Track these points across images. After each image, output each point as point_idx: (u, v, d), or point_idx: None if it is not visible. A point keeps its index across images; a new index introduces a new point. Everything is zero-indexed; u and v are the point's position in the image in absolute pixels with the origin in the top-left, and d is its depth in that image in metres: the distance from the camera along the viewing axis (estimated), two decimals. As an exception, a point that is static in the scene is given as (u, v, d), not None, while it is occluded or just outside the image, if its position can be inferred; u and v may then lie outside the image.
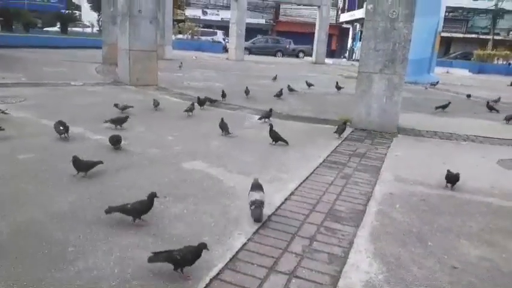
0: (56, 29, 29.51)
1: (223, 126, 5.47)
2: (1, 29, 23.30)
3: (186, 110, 6.60)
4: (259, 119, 6.52)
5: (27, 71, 10.63)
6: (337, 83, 11.25)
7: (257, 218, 2.93)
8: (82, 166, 3.61)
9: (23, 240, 2.48)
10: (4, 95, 7.08)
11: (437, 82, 14.71)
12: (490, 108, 8.99)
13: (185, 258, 2.22)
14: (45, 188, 3.30)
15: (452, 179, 3.97)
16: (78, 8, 39.36)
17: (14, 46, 17.13)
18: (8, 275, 2.15)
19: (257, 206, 2.95)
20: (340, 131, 5.73)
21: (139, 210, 2.77)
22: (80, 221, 2.78)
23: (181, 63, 15.36)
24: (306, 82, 11.51)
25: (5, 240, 2.48)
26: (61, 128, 4.69)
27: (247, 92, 8.80)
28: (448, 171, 4.02)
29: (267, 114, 6.53)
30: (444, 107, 8.57)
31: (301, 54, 33.81)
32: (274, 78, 12.66)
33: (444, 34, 20.68)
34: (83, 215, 2.88)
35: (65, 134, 4.71)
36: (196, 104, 7.01)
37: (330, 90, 11.09)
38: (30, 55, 15.18)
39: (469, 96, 11.25)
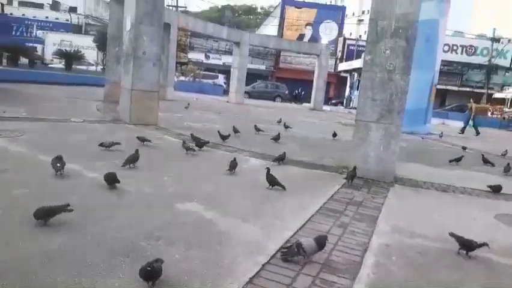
0: (60, 65, 30.18)
1: (233, 165, 5.77)
2: (7, 64, 23.80)
3: (187, 148, 6.84)
4: (274, 161, 6.68)
5: (28, 105, 10.74)
6: (334, 132, 11.31)
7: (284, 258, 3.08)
8: (40, 214, 3.22)
9: (8, 279, 2.39)
10: (3, 128, 7.10)
11: (442, 133, 15.14)
12: (485, 161, 9.07)
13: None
14: (35, 227, 3.22)
15: (468, 246, 3.60)
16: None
17: (18, 81, 17.42)
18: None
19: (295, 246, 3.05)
20: (350, 177, 5.79)
21: None
22: (69, 263, 2.69)
23: (188, 104, 16.05)
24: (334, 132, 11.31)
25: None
26: (58, 164, 4.66)
27: (235, 131, 8.89)
28: (460, 239, 3.66)
29: (281, 157, 6.72)
30: (458, 160, 8.61)
31: (278, 99, 34.46)
32: (279, 122, 12.91)
33: (439, 86, 21.23)
34: (72, 257, 2.80)
35: (61, 171, 4.68)
36: (189, 145, 7.06)
37: (327, 137, 11.20)
38: (34, 91, 15.40)
39: (464, 148, 11.37)
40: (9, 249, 2.80)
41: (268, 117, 13.72)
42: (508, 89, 39.39)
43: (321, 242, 3.12)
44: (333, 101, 41.35)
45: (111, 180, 4.41)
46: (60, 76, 22.80)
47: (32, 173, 4.69)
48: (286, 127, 11.82)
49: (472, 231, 4.25)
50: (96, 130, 8.38)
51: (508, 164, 8.09)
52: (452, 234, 3.71)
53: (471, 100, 20.08)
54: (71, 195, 4.04)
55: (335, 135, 11.15)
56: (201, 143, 7.20)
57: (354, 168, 5.99)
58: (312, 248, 3.07)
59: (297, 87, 37.49)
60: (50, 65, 30.62)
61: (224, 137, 8.38)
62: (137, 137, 7.14)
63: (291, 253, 3.07)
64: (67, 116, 9.59)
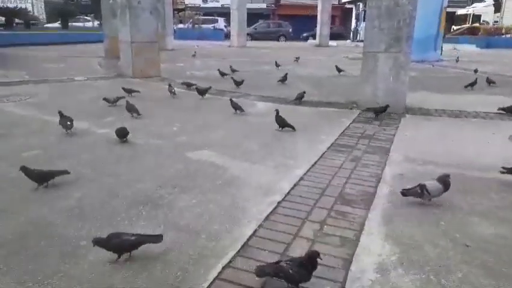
0: (56, 24, 29.45)
1: (236, 106, 5.89)
2: (1, 28, 23.30)
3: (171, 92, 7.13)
4: (295, 100, 6.77)
5: (30, 68, 10.63)
6: (336, 66, 11.12)
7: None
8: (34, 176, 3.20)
9: (34, 238, 2.48)
10: (8, 93, 7.10)
11: (458, 58, 14.83)
12: (489, 82, 9.01)
13: (300, 272, 2.00)
14: (52, 185, 3.30)
15: None
16: (78, 3, 39.21)
17: (16, 44, 17.14)
18: (21, 271, 2.15)
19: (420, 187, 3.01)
20: (377, 112, 5.82)
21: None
22: (90, 216, 2.78)
23: (195, 52, 15.95)
24: (336, 67, 11.16)
25: (16, 239, 2.48)
26: (68, 123, 4.68)
27: (237, 82, 8.35)
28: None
29: (301, 96, 6.78)
30: (472, 84, 8.41)
31: (282, 38, 33.28)
32: (277, 65, 12.30)
33: (449, 9, 20.22)
34: (92, 209, 2.88)
35: (70, 130, 4.71)
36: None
37: (335, 73, 10.96)
38: (32, 52, 15.19)
39: (475, 71, 11.05)
40: (28, 209, 2.89)
41: (273, 58, 13.38)
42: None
43: (446, 182, 3.04)
44: (305, 35, 36.39)
45: (122, 134, 4.43)
46: (57, 36, 22.32)
47: (43, 135, 4.73)
48: (277, 66, 11.89)
49: (485, 154, 4.25)
50: (100, 87, 8.32)
51: (476, 79, 8.08)
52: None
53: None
54: (83, 152, 4.11)
55: (339, 70, 10.94)
56: (201, 90, 7.11)
57: (387, 106, 5.87)
58: (437, 189, 3.01)
59: (302, 25, 35.95)
60: (45, 25, 29.87)
61: (238, 83, 8.28)
62: (123, 88, 7.09)
63: (413, 193, 3.03)
64: (69, 75, 9.51)
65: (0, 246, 2.39)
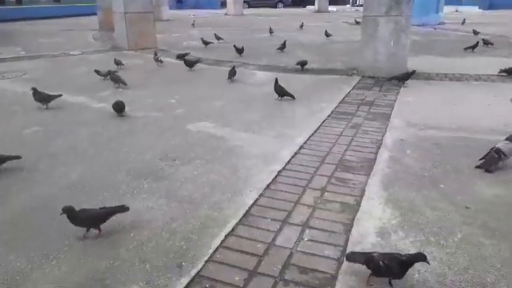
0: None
1: (232, 73, 6.04)
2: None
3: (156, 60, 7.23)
4: (297, 64, 6.81)
5: (24, 44, 10.44)
6: (326, 31, 11.24)
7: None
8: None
9: (39, 213, 2.51)
10: (4, 70, 7.00)
11: (464, 20, 14.80)
12: (485, 43, 9.03)
13: (391, 267, 1.81)
14: (54, 160, 3.31)
15: None
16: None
17: (8, 20, 16.76)
18: (27, 247, 2.19)
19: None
20: (401, 79, 5.69)
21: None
22: (92, 190, 2.80)
23: (194, 21, 16.00)
24: (326, 32, 11.31)
25: (20, 216, 2.51)
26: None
27: (239, 50, 8.33)
28: None
29: (304, 62, 6.80)
30: (473, 47, 8.32)
31: (280, 5, 32.41)
32: (271, 32, 12.35)
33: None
34: (94, 184, 2.89)
35: (47, 105, 4.70)
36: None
37: (334, 39, 10.75)
38: (25, 27, 14.90)
39: (476, 33, 10.82)
40: (31, 185, 2.90)
41: (271, 26, 13.10)
42: None
43: None
44: None
45: (119, 108, 4.40)
46: (50, 9, 21.77)
47: (40, 111, 4.70)
48: (271, 32, 12.13)
49: (487, 117, 4.22)
50: (95, 60, 8.19)
51: (477, 42, 8.09)
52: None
53: None
54: (81, 127, 4.10)
55: (327, 35, 11.06)
56: (189, 62, 7.00)
57: (413, 72, 5.76)
58: (510, 148, 2.97)
59: None
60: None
61: (240, 51, 8.21)
62: (114, 59, 7.18)
63: (492, 161, 2.98)
64: (64, 49, 9.36)
65: (5, 223, 2.42)
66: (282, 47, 8.77)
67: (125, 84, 5.64)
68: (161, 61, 7.31)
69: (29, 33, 13.19)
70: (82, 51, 9.21)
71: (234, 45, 8.32)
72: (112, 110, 4.41)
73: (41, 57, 8.40)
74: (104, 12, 13.42)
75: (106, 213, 2.30)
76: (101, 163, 3.23)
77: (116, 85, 5.66)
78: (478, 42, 8.40)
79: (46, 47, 9.91)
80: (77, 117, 4.45)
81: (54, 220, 2.38)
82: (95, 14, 14.59)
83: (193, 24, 15.41)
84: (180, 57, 7.66)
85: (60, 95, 4.65)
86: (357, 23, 14.34)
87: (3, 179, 2.98)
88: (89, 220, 2.26)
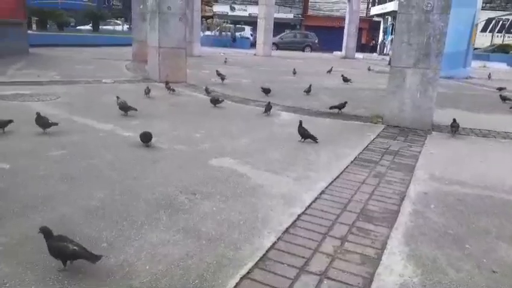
0: (88, 27, 30.34)
1: (268, 108, 6.54)
2: (36, 28, 24.10)
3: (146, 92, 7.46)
4: (332, 108, 6.96)
5: (60, 69, 10.95)
6: (342, 75, 11.61)
7: None
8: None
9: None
10: (39, 92, 7.32)
11: (490, 74, 15.07)
12: (504, 98, 8.94)
13: None
14: (76, 184, 3.37)
15: None
16: (109, 6, 40.29)
17: (48, 45, 17.70)
18: (45, 270, 2.19)
19: None
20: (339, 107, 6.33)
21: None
22: (112, 218, 2.82)
23: (226, 58, 16.82)
24: (342, 76, 11.61)
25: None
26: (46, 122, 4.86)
27: (266, 90, 8.51)
28: None
29: (342, 105, 6.94)
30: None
31: (307, 49, 33.28)
32: (294, 72, 12.86)
33: (480, 26, 19.81)
34: (114, 211, 2.92)
35: (47, 129, 4.83)
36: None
37: (362, 86, 10.86)
38: (64, 53, 15.65)
39: (500, 89, 10.75)
40: (52, 206, 2.95)
41: (298, 68, 13.39)
42: None
43: None
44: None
45: (147, 139, 4.49)
46: (88, 38, 22.97)
47: (69, 134, 4.84)
48: (294, 73, 12.69)
49: (516, 177, 4.11)
50: (126, 90, 8.48)
51: None
52: None
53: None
54: (107, 154, 4.18)
55: (345, 80, 11.36)
56: (214, 100, 7.13)
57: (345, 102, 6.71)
58: None
59: (329, 36, 35.61)
60: (77, 27, 30.79)
61: (267, 91, 8.40)
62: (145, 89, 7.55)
63: None
64: (97, 77, 9.74)
65: (23, 244, 2.44)
66: (308, 90, 8.92)
67: (135, 110, 5.92)
68: (173, 90, 7.84)
69: (66, 60, 13.85)
70: (114, 80, 9.57)
71: (261, 87, 8.50)
72: (138, 139, 4.51)
73: (75, 83, 8.76)
74: (139, 44, 14.02)
75: (71, 254, 2.16)
76: (123, 190, 3.27)
77: (125, 113, 5.88)
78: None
79: (81, 73, 10.36)
80: (104, 144, 4.56)
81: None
82: (130, 45, 15.26)
83: (225, 62, 16.04)
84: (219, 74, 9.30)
85: (56, 124, 4.81)
86: (369, 69, 15.96)
87: (21, 195, 3.04)
88: (51, 250, 2.18)
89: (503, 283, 2.30)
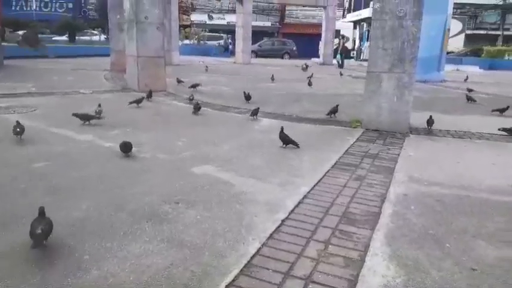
0: (64, 38, 29.87)
1: (255, 112, 6.76)
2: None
3: (132, 102, 7.37)
4: (327, 114, 7.11)
5: (36, 80, 10.74)
6: (309, 79, 12.18)
7: None
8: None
9: (35, 250, 2.47)
10: (15, 104, 7.16)
11: (467, 77, 15.47)
12: (469, 99, 9.46)
13: None
14: (58, 196, 3.31)
15: None
16: (85, 16, 39.79)
17: (24, 56, 17.32)
18: (25, 284, 2.14)
19: None
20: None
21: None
22: (94, 229, 2.77)
23: (207, 66, 16.90)
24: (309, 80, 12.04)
25: (18, 250, 2.48)
26: (18, 129, 4.83)
27: (247, 97, 8.56)
28: None
29: (334, 110, 7.12)
30: (502, 110, 7.95)
31: (286, 56, 33.68)
32: (272, 79, 13.16)
33: (452, 31, 20.47)
34: (96, 222, 2.88)
35: (20, 136, 4.85)
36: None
37: (340, 92, 11.03)
38: (40, 65, 15.36)
39: (470, 90, 11.15)
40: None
41: (278, 75, 13.51)
42: None
43: None
44: None
45: (127, 148, 4.45)
46: (65, 49, 22.59)
47: (49, 146, 4.76)
48: (272, 79, 13.05)
49: (490, 177, 4.24)
50: (105, 100, 8.37)
51: (508, 106, 7.95)
52: None
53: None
54: (90, 165, 4.13)
55: (310, 84, 11.81)
56: (196, 107, 7.16)
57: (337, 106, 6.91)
58: None
59: (306, 43, 36.11)
60: (53, 38, 30.27)
61: (248, 98, 8.42)
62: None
63: None
64: (75, 88, 9.60)
65: (2, 257, 2.38)
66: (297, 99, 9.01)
67: (99, 118, 5.92)
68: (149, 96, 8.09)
69: (43, 71, 13.58)
70: (92, 90, 9.44)
71: (244, 92, 8.53)
72: (119, 149, 4.46)
73: (52, 94, 8.61)
74: (117, 54, 13.88)
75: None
76: (106, 201, 3.23)
77: (87, 122, 5.84)
78: (508, 106, 8.03)
79: (58, 84, 10.19)
80: (85, 155, 4.50)
81: (48, 258, 2.35)
82: (108, 55, 15.10)
83: (206, 70, 16.13)
84: (193, 86, 9.35)
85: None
86: (341, 74, 16.38)
87: (3, 208, 2.96)
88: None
89: (483, 280, 2.37)
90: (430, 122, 6.43)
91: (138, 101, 7.41)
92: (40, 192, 3.36)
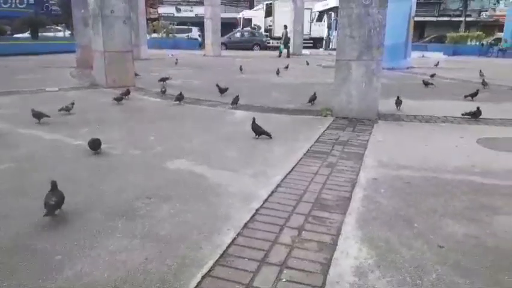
0: (26, 35, 28.70)
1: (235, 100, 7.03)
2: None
3: (115, 99, 7.17)
4: (308, 102, 7.36)
5: (-1, 79, 10.32)
6: (278, 69, 12.48)
7: None
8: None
9: (6, 254, 2.41)
10: (-24, 105, 6.87)
11: (438, 62, 16.42)
12: (426, 83, 9.99)
13: None
14: (26, 198, 3.22)
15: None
16: (48, 12, 38.35)
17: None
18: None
19: None
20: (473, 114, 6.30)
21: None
22: (65, 229, 2.72)
23: (177, 59, 16.73)
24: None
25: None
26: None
27: (221, 90, 8.50)
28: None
29: (313, 98, 7.34)
30: (473, 95, 8.11)
31: (256, 48, 33.76)
32: (241, 69, 13.48)
33: (417, 18, 20.99)
34: (67, 222, 2.82)
35: None
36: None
37: (310, 81, 11.13)
38: (1, 63, 14.73)
39: (432, 75, 11.68)
40: (3, 223, 2.80)
41: (248, 67, 13.51)
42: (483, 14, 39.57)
43: None
44: None
45: (95, 146, 4.36)
46: (27, 46, 21.72)
47: (15, 147, 4.60)
48: (241, 69, 13.41)
49: (455, 158, 4.42)
50: (72, 98, 8.15)
51: (477, 90, 8.23)
52: None
53: (284, 26, 24.83)
54: (59, 164, 4.03)
55: (278, 72, 12.25)
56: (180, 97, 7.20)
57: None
58: None
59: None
60: (14, 35, 29.03)
61: (223, 90, 8.37)
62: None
63: None
64: (41, 86, 9.28)
65: (-30, 264, 2.31)
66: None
67: (48, 116, 5.72)
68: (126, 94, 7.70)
69: (3, 69, 13.05)
70: (58, 88, 9.16)
71: (217, 85, 8.46)
72: (88, 147, 4.36)
73: (17, 93, 8.30)
74: (83, 50, 13.47)
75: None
76: (77, 201, 3.16)
77: (38, 121, 5.67)
78: (478, 90, 8.29)
79: (22, 83, 9.82)
80: (54, 154, 4.38)
81: (25, 262, 2.30)
82: (74, 51, 14.64)
83: (176, 63, 15.95)
84: (162, 80, 9.29)
85: None
86: (307, 63, 16.88)
87: (-30, 218, 2.86)
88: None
89: (450, 257, 2.48)
90: (398, 102, 6.98)
91: (118, 99, 7.21)
92: (6, 196, 3.25)
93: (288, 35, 24.72)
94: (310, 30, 36.10)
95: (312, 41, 35.90)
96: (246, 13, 38.90)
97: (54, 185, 2.88)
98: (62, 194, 2.88)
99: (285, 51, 24.18)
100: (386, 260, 2.42)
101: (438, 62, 15.91)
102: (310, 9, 35.54)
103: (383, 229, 2.80)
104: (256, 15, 37.53)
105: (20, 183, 3.54)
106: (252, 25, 35.62)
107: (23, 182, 3.55)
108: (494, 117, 6.36)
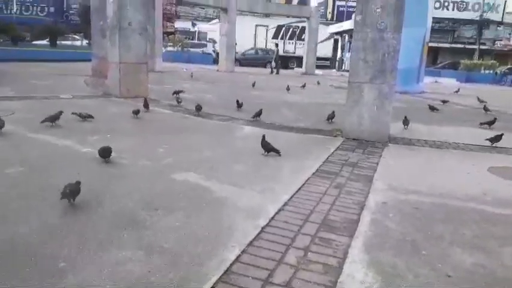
0: (45, 42, 29.36)
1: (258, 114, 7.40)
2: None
3: (134, 112, 7.03)
4: (327, 119, 7.48)
5: (15, 84, 10.52)
6: (288, 86, 13.09)
7: None
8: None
9: (13, 257, 2.41)
10: (-8, 108, 6.99)
11: (458, 89, 16.40)
12: (432, 108, 10.05)
13: None
14: (34, 203, 3.23)
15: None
16: (67, 21, 39.25)
17: (2, 60, 16.96)
18: (-4, 293, 2.08)
19: None
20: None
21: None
22: (70, 237, 2.72)
23: (192, 73, 17.20)
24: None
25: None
26: None
27: (240, 105, 8.67)
28: None
29: (331, 116, 7.51)
30: (490, 123, 7.90)
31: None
32: (253, 85, 13.86)
33: (431, 44, 21.06)
34: (73, 230, 2.82)
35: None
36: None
37: (321, 101, 11.15)
38: (19, 69, 15.05)
39: (444, 101, 11.84)
40: (7, 226, 2.81)
41: (261, 84, 13.61)
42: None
43: None
44: None
45: (106, 154, 4.39)
46: (45, 53, 22.21)
47: (27, 151, 4.65)
48: (253, 85, 13.83)
49: (466, 185, 4.35)
50: (85, 105, 8.26)
51: (495, 118, 8.12)
52: None
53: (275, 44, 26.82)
54: (67, 170, 4.05)
55: (288, 89, 12.81)
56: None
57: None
58: None
59: None
60: (33, 42, 29.71)
61: (240, 105, 8.54)
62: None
63: None
64: (55, 92, 9.44)
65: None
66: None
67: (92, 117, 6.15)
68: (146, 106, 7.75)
69: (22, 75, 13.31)
70: (72, 95, 9.30)
71: (237, 100, 8.66)
72: (97, 155, 4.39)
73: (31, 99, 8.44)
74: (99, 60, 13.62)
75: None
76: (83, 208, 3.17)
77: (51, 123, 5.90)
78: (495, 119, 8.08)
79: (37, 89, 10.00)
80: (63, 160, 4.41)
81: (27, 267, 2.29)
82: (89, 60, 14.88)
83: (191, 76, 16.36)
84: (176, 93, 9.35)
85: None
86: (318, 83, 17.40)
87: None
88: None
89: (459, 286, 2.41)
90: (405, 122, 7.13)
91: (136, 112, 7.06)
92: (13, 199, 3.26)
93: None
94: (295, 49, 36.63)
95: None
96: (202, 26, 39.35)
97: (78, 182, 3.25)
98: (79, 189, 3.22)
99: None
100: (392, 286, 2.37)
101: (458, 89, 15.91)
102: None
103: (390, 254, 2.75)
104: (214, 28, 37.16)
105: (27, 187, 3.55)
106: (208, 39, 36.05)
107: (31, 186, 3.57)
108: (507, 146, 6.27)
